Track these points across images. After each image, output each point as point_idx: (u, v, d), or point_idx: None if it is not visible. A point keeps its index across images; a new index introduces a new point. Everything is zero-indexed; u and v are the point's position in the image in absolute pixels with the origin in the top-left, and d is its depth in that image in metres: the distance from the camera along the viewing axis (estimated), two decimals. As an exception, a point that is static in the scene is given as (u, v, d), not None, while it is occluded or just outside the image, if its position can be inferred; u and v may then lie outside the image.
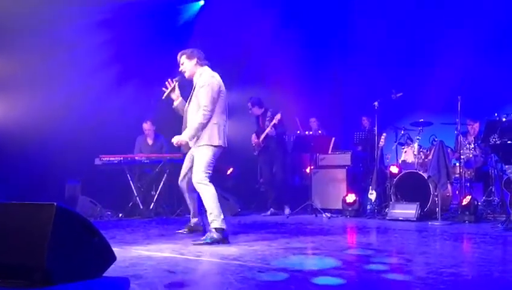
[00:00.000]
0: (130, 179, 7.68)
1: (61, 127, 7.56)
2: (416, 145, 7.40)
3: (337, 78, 10.01)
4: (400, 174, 7.32)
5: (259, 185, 8.77)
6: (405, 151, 7.55)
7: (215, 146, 4.73)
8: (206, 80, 4.81)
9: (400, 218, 6.78)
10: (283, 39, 9.87)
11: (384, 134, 7.79)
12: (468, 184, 7.29)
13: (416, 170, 7.21)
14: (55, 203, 2.69)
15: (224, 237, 4.58)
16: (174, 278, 3.05)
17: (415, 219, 6.66)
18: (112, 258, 3.04)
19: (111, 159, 7.54)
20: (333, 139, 8.21)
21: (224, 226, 4.61)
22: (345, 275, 3.19)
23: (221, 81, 4.91)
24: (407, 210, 6.83)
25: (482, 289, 2.92)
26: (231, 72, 8.04)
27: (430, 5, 9.06)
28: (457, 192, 7.32)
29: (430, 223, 6.40)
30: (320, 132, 8.90)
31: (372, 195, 7.55)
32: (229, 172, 9.39)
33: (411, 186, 7.10)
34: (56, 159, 7.39)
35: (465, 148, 7.30)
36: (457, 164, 7.26)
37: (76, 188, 7.63)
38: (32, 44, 7.36)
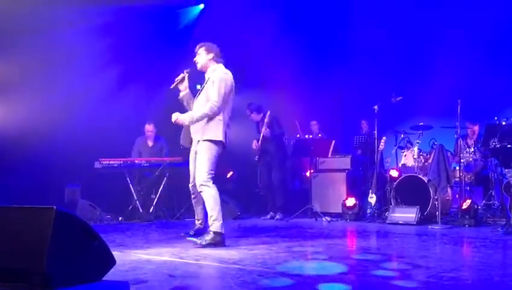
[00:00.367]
0: (129, 182, 7.67)
1: (61, 131, 7.56)
2: (416, 148, 7.40)
3: (337, 81, 10.01)
4: (400, 178, 7.31)
5: (259, 188, 8.76)
6: (405, 155, 7.55)
7: (218, 142, 4.76)
8: (220, 76, 4.84)
9: (400, 222, 6.77)
10: (283, 43, 9.88)
11: (384, 138, 7.80)
12: (468, 188, 7.29)
13: (416, 173, 7.21)
14: (54, 207, 2.69)
15: (220, 241, 4.59)
16: (173, 282, 3.04)
17: (415, 223, 6.65)
18: (112, 262, 3.03)
19: (111, 162, 7.53)
20: (333, 142, 8.21)
21: (222, 231, 4.63)
22: (345, 279, 3.18)
23: (233, 80, 4.95)
24: (407, 214, 6.83)
25: (482, 293, 2.92)
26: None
27: (429, 8, 9.08)
28: (457, 196, 7.32)
29: (430, 227, 6.39)
30: (320, 135, 8.91)
31: (372, 199, 7.55)
32: (229, 176, 9.38)
33: (411, 190, 7.10)
34: (56, 163, 7.39)
35: (465, 152, 7.30)
36: (457, 168, 7.26)
37: (76, 192, 7.62)
38: (32, 47, 7.37)
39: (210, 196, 4.65)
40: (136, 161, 7.81)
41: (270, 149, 7.89)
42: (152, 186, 7.86)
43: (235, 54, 9.69)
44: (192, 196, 5.13)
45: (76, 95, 7.89)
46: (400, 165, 7.66)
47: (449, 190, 7.04)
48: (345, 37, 9.81)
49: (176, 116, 4.83)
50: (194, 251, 4.31)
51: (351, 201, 7.62)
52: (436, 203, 6.67)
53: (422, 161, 7.34)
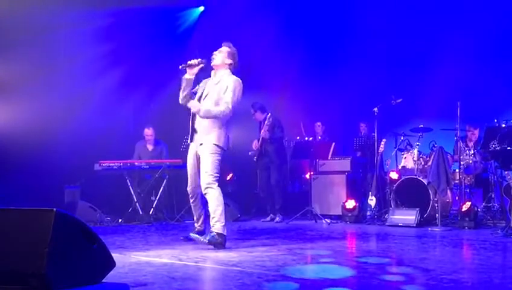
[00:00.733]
0: (129, 184, 7.67)
1: (61, 132, 7.57)
2: (415, 151, 7.40)
3: (337, 83, 10.02)
4: (400, 180, 7.31)
5: (258, 190, 8.76)
6: (405, 157, 7.56)
7: (221, 147, 4.80)
8: (236, 82, 4.89)
9: (400, 224, 6.77)
10: (283, 44, 9.89)
11: (384, 140, 7.80)
12: (467, 190, 7.29)
13: (416, 175, 7.21)
14: (54, 209, 2.69)
15: (221, 243, 4.60)
16: (173, 284, 3.04)
17: (414, 225, 6.65)
18: (111, 264, 3.04)
19: (110, 164, 7.53)
20: (333, 144, 8.21)
21: (224, 233, 4.65)
22: (344, 281, 3.18)
23: None
24: (407, 216, 6.83)
25: (482, 295, 2.92)
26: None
27: (429, 11, 9.09)
28: (457, 198, 7.32)
29: (429, 229, 6.39)
30: (320, 137, 8.91)
31: (372, 201, 7.56)
32: (228, 178, 9.37)
33: (411, 192, 7.09)
34: (56, 165, 7.39)
35: (464, 154, 7.30)
36: (457, 170, 7.26)
37: (76, 194, 7.62)
38: (32, 50, 7.38)
39: (214, 197, 4.68)
40: (136, 163, 7.81)
41: (269, 151, 7.89)
42: (152, 188, 7.86)
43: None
44: (191, 199, 5.12)
45: (77, 97, 7.89)
46: (399, 168, 7.66)
47: (449, 192, 7.04)
48: (344, 39, 9.82)
49: (193, 104, 4.82)
50: (194, 253, 4.31)
51: (350, 203, 7.61)
52: (436, 205, 6.67)
53: (422, 163, 7.34)
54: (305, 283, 3.11)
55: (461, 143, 7.27)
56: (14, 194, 6.82)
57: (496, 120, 6.36)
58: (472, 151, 7.38)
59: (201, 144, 4.85)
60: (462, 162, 7.16)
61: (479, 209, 6.76)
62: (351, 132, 9.18)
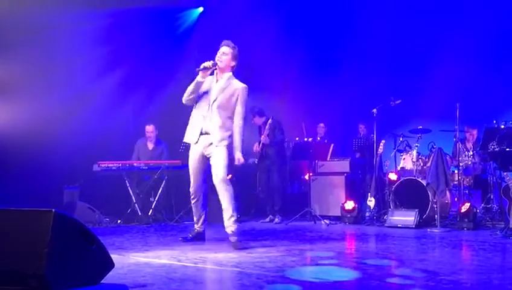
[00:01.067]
0: (128, 185, 7.66)
1: (60, 133, 7.56)
2: (415, 152, 7.41)
3: (336, 85, 10.02)
4: (399, 181, 7.32)
5: (258, 191, 8.76)
6: (404, 158, 7.56)
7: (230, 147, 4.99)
8: (245, 91, 5.03)
9: (399, 225, 6.77)
10: (283, 45, 9.89)
11: (383, 141, 7.80)
12: (466, 191, 7.29)
13: (415, 177, 7.21)
14: (53, 210, 2.69)
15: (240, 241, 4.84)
16: (172, 285, 3.04)
17: (413, 226, 6.65)
18: (110, 265, 3.03)
19: (109, 165, 7.53)
20: (332, 146, 8.21)
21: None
22: (343, 282, 3.18)
23: None
24: (406, 217, 6.83)
25: (481, 296, 2.92)
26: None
27: (428, 12, 9.10)
28: (456, 199, 7.32)
29: (429, 230, 6.39)
30: (319, 138, 8.91)
31: (371, 202, 7.56)
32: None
33: (410, 193, 7.10)
34: (55, 165, 7.38)
35: (463, 156, 7.30)
36: (456, 171, 7.27)
37: (75, 195, 7.61)
38: (32, 50, 7.37)
39: (229, 192, 4.82)
40: (135, 164, 7.80)
41: (270, 154, 7.90)
42: (151, 189, 7.86)
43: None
44: (193, 200, 5.12)
45: (77, 98, 7.88)
46: (398, 169, 7.66)
47: (448, 193, 7.04)
48: (343, 40, 9.83)
49: (239, 155, 5.05)
50: (193, 254, 4.31)
51: (350, 204, 7.61)
52: (435, 206, 6.67)
53: (421, 164, 7.35)
54: (305, 284, 3.11)
55: (460, 144, 7.28)
56: (13, 194, 6.81)
57: (494, 121, 6.36)
58: (471, 153, 7.38)
59: (212, 145, 4.90)
60: (461, 163, 7.17)
61: (478, 211, 6.77)
62: (350, 133, 9.18)
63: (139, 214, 7.56)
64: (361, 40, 9.44)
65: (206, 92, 5.02)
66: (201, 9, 10.22)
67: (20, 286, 2.64)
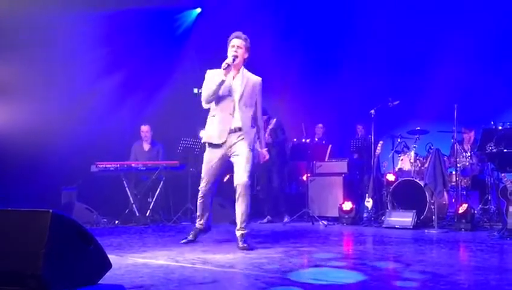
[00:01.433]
0: (126, 186, 7.66)
1: (57, 134, 7.55)
2: (412, 153, 7.42)
3: (334, 85, 10.04)
4: (397, 182, 7.33)
5: (257, 192, 8.75)
6: (401, 159, 7.57)
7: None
8: (261, 85, 5.01)
9: (397, 226, 6.78)
10: (283, 45, 9.90)
11: (380, 142, 7.82)
12: (464, 192, 7.31)
13: (412, 177, 7.22)
14: (50, 210, 2.68)
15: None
16: (170, 286, 3.03)
17: (411, 227, 6.66)
18: (108, 265, 3.03)
19: (107, 166, 7.53)
20: (330, 146, 8.22)
21: None
22: (341, 283, 3.18)
23: None
24: (403, 218, 6.84)
25: (479, 297, 2.92)
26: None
27: (427, 13, 9.12)
28: (453, 200, 7.34)
29: (426, 231, 6.40)
30: (317, 139, 8.92)
31: (369, 203, 7.57)
32: (225, 179, 9.36)
33: (407, 194, 7.11)
34: (52, 166, 7.37)
35: (461, 157, 7.31)
36: (454, 172, 7.28)
37: (73, 195, 7.61)
38: (32, 50, 7.36)
39: (249, 196, 4.77)
40: (133, 165, 7.80)
41: (271, 154, 7.87)
42: (148, 189, 7.86)
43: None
44: (202, 199, 5.03)
45: (75, 99, 7.89)
46: (396, 170, 7.67)
47: (445, 194, 7.06)
48: (342, 41, 9.85)
49: (265, 153, 5.25)
50: (191, 255, 4.30)
51: (347, 205, 7.62)
52: (433, 207, 6.68)
53: (419, 165, 7.36)
54: (304, 285, 3.11)
55: (458, 145, 7.29)
56: (11, 195, 6.81)
57: (492, 122, 6.38)
58: (469, 154, 7.40)
59: (237, 142, 4.82)
60: (458, 164, 7.18)
61: (475, 211, 6.78)
62: (348, 133, 9.19)
63: (137, 214, 7.56)
64: (360, 41, 9.45)
65: (227, 90, 4.83)
66: (199, 10, 10.22)
67: (18, 286, 2.64)
